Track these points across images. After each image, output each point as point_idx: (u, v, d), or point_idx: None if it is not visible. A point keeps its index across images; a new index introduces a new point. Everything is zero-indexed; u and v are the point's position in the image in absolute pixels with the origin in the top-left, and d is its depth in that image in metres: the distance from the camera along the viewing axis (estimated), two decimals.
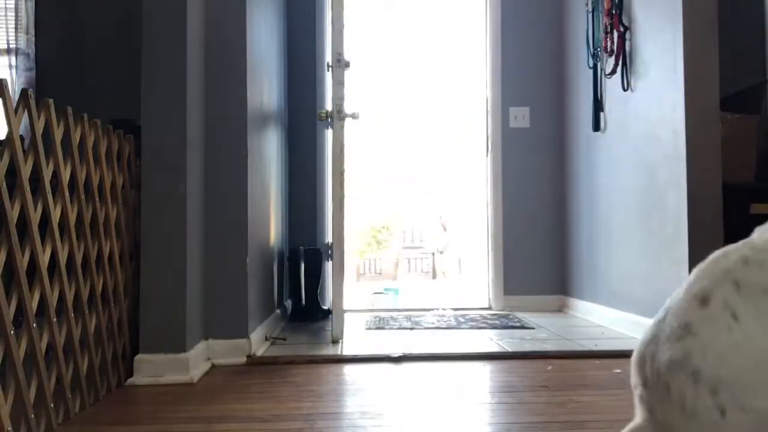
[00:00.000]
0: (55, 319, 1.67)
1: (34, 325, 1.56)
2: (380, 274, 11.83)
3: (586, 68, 3.49)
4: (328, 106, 3.25)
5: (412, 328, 3.19)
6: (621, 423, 1.64)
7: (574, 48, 3.80)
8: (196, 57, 2.34)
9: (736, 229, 2.84)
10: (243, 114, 2.48)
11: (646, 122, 2.90)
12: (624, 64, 3.05)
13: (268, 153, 3.07)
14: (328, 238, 3.82)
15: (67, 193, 1.76)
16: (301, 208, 3.94)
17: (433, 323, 3.34)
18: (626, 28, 3.03)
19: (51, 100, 1.68)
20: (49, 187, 1.66)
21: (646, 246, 2.89)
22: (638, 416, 1.04)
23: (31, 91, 1.58)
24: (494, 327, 3.29)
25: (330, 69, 2.98)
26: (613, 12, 3.08)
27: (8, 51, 3.41)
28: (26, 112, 1.57)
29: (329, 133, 3.25)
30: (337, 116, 2.93)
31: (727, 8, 2.74)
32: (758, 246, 0.94)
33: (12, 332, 1.44)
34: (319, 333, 3.16)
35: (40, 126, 1.63)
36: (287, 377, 2.25)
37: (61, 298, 1.73)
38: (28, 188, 1.55)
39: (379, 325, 3.30)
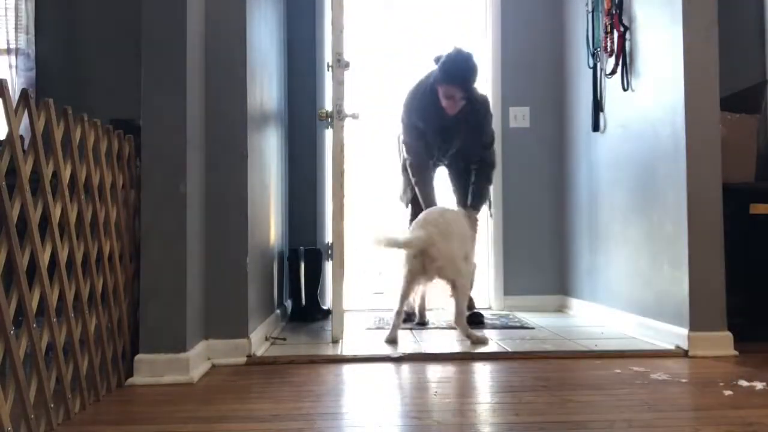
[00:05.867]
0: (55, 319, 1.67)
1: (34, 325, 1.56)
2: (381, 274, 11.81)
3: (586, 68, 3.50)
4: (328, 106, 3.25)
5: (412, 329, 3.19)
6: (621, 423, 1.64)
7: (574, 48, 3.80)
8: (196, 57, 2.34)
9: (736, 229, 2.86)
10: (243, 114, 2.48)
11: (646, 122, 2.90)
12: (624, 64, 3.05)
13: (268, 153, 3.08)
14: (328, 238, 3.82)
15: (67, 193, 1.76)
16: (301, 208, 3.94)
17: (433, 323, 3.34)
18: (626, 28, 3.04)
19: (51, 100, 1.68)
20: (49, 187, 1.66)
21: (646, 246, 2.89)
22: None
23: (31, 91, 1.58)
24: (494, 327, 3.29)
25: (330, 69, 2.98)
26: (613, 12, 3.08)
27: (8, 51, 3.42)
28: (26, 112, 1.57)
29: (329, 133, 3.25)
30: (337, 116, 2.93)
31: (727, 8, 2.74)
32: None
33: (12, 332, 1.44)
34: (319, 333, 3.16)
35: (40, 126, 1.63)
36: (287, 377, 2.25)
37: (61, 298, 1.73)
38: (28, 188, 1.55)
39: (380, 325, 3.30)
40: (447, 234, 2.85)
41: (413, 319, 3.33)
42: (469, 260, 3.08)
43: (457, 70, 3.12)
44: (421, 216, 3.01)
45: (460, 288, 2.84)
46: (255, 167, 2.63)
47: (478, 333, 2.86)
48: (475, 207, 3.32)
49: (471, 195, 3.33)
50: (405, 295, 2.89)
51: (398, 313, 2.87)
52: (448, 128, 3.27)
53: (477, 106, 3.25)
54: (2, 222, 1.45)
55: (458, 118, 3.21)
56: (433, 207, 3.15)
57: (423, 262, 2.81)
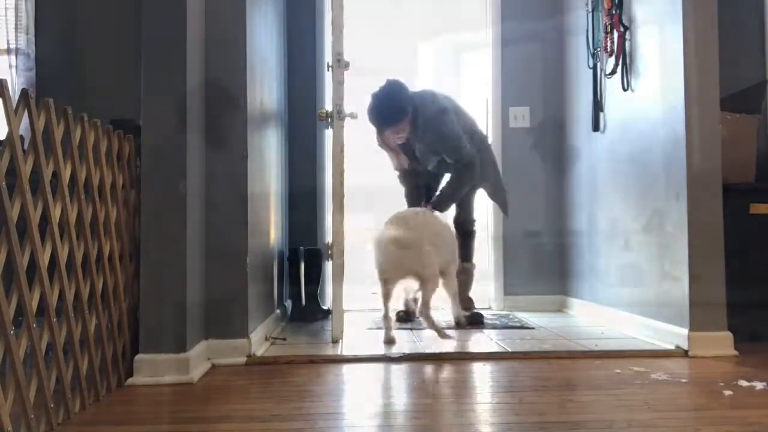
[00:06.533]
0: (55, 319, 1.67)
1: (34, 325, 1.56)
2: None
3: (586, 68, 3.49)
4: (328, 106, 3.25)
5: (411, 328, 3.19)
6: (621, 423, 1.65)
7: (574, 48, 3.79)
8: (196, 57, 2.34)
9: (736, 229, 2.86)
10: (243, 114, 2.48)
11: (646, 122, 2.90)
12: (624, 64, 3.05)
13: (268, 153, 3.08)
14: (328, 238, 3.82)
15: (67, 193, 1.76)
16: (301, 208, 3.93)
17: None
18: (626, 28, 3.03)
19: (51, 100, 1.68)
20: (49, 187, 1.66)
21: (646, 246, 2.89)
22: None
23: (31, 91, 1.58)
24: (494, 327, 3.29)
25: (330, 69, 2.98)
26: (613, 12, 3.08)
27: (8, 51, 3.41)
28: (26, 112, 1.57)
29: (329, 133, 3.25)
30: (337, 116, 2.93)
31: (727, 8, 2.74)
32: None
33: (12, 332, 1.44)
34: (319, 333, 3.16)
35: (40, 126, 1.63)
36: (287, 377, 2.25)
37: (61, 298, 1.73)
38: (28, 188, 1.55)
39: (380, 325, 3.29)
40: (415, 228, 2.91)
41: (412, 318, 3.33)
42: (445, 257, 3.06)
43: (371, 114, 3.27)
44: (392, 215, 3.07)
45: (426, 281, 2.88)
46: (255, 167, 2.63)
47: (441, 327, 2.96)
48: (437, 206, 3.27)
49: (438, 192, 3.35)
50: (386, 297, 2.89)
51: (385, 316, 2.89)
52: (407, 148, 3.36)
53: (426, 125, 3.21)
54: (2, 222, 1.45)
55: (413, 140, 3.28)
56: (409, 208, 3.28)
57: (392, 259, 2.84)
